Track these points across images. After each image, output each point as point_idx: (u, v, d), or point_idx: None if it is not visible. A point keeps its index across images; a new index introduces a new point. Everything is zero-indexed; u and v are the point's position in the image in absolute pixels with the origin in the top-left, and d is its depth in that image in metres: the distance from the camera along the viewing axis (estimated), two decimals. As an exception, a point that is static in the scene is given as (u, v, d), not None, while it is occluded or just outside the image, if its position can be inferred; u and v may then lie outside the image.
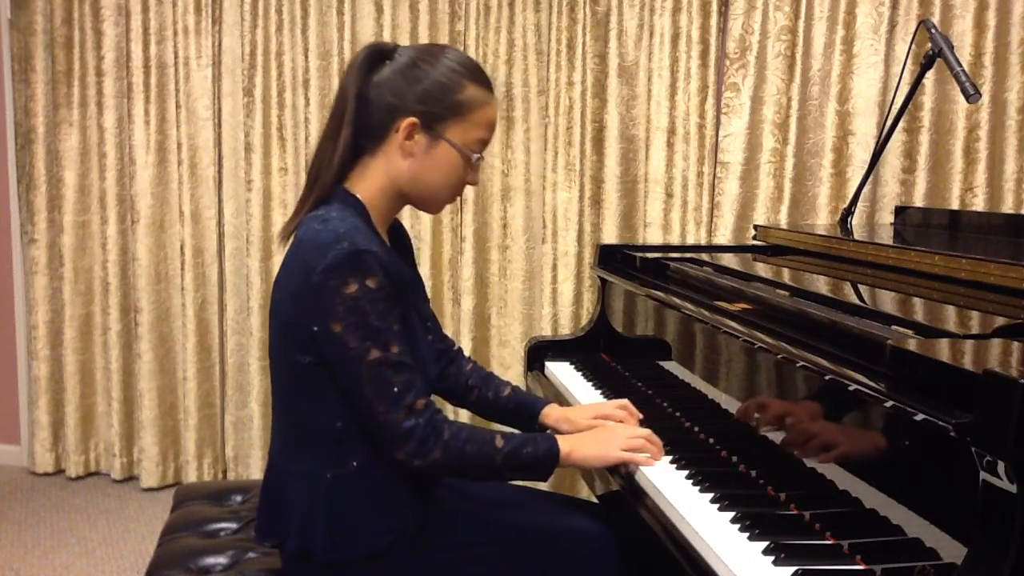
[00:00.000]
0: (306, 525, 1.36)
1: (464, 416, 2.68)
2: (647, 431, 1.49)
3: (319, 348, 1.32)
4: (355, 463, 1.36)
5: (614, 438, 1.46)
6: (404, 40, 3.02)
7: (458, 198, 1.55)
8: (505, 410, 1.67)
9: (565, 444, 1.41)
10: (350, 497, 1.36)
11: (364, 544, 1.36)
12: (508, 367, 3.06)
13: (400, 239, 1.57)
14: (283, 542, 1.41)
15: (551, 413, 1.64)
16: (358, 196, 1.40)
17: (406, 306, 1.41)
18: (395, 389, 1.30)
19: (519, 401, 1.67)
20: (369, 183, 1.41)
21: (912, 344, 1.11)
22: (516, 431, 1.47)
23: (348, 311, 1.28)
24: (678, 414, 1.73)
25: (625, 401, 1.65)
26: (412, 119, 1.37)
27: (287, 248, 1.40)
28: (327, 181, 1.39)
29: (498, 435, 1.38)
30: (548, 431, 1.62)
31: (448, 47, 1.44)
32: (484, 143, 1.44)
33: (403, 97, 1.37)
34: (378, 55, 1.41)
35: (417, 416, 1.31)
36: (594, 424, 1.58)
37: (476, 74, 1.41)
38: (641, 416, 1.63)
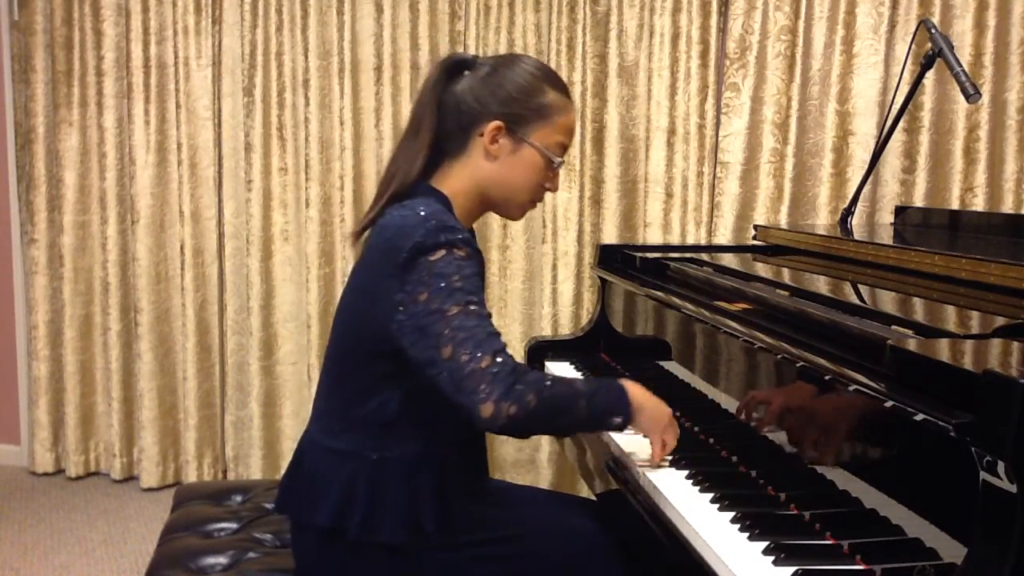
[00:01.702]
0: (343, 503, 1.37)
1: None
2: (677, 436, 1.46)
3: (397, 329, 1.31)
4: (400, 451, 1.37)
5: (670, 427, 1.43)
6: (404, 40, 3.02)
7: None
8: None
9: (634, 401, 1.38)
10: (390, 482, 1.37)
11: (390, 531, 1.36)
12: (508, 367, 3.06)
13: None
14: (312, 517, 1.40)
15: None
16: (443, 192, 1.43)
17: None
18: (479, 336, 1.27)
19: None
20: (452, 184, 1.44)
21: (912, 344, 1.11)
22: (588, 379, 1.44)
23: (434, 277, 1.28)
24: (678, 414, 1.72)
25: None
26: (498, 122, 1.41)
27: (365, 242, 1.42)
28: (406, 182, 1.42)
29: (576, 380, 1.38)
30: None
31: (525, 55, 1.48)
32: (564, 148, 1.48)
33: (487, 102, 1.41)
34: (458, 65, 1.45)
35: (503, 363, 1.26)
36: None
37: (555, 80, 1.46)
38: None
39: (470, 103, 1.42)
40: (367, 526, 1.36)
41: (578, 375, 2.06)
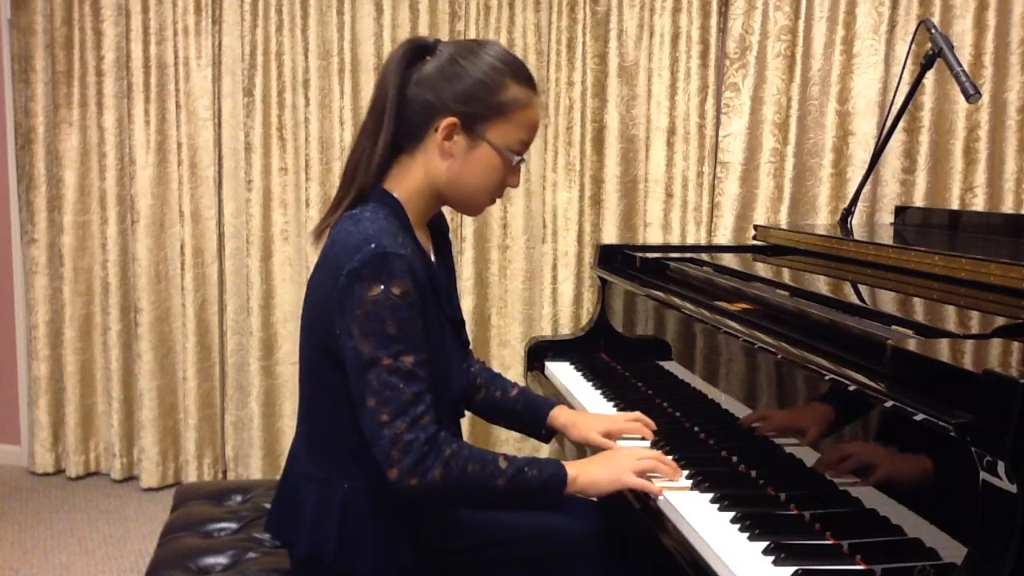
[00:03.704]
0: (317, 532, 1.35)
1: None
2: (656, 452, 1.42)
3: (340, 352, 1.28)
4: (370, 480, 1.32)
5: (623, 461, 1.37)
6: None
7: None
8: (512, 411, 1.62)
9: (572, 468, 1.33)
10: (362, 514, 1.34)
11: (365, 565, 1.33)
12: (508, 367, 3.06)
13: (440, 232, 1.51)
14: (293, 543, 1.40)
15: (559, 416, 1.60)
16: (395, 195, 1.35)
17: (438, 315, 1.37)
18: (403, 398, 1.23)
19: (527, 401, 1.63)
20: (407, 183, 1.36)
21: (912, 344, 1.11)
22: (518, 456, 1.37)
23: (367, 316, 1.23)
24: (678, 414, 1.73)
25: (638, 413, 1.59)
26: (452, 119, 1.31)
27: (322, 246, 1.36)
28: (365, 181, 1.35)
29: (501, 456, 1.30)
30: (556, 434, 1.61)
31: (490, 42, 1.37)
32: (526, 144, 1.38)
33: (443, 96, 1.31)
34: (418, 51, 1.35)
35: (420, 430, 1.24)
36: (602, 443, 1.53)
37: (518, 72, 1.36)
38: (655, 427, 1.58)
39: (427, 95, 1.32)
40: (341, 557, 1.33)
41: (578, 375, 2.06)
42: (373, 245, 1.24)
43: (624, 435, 1.56)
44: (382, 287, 1.23)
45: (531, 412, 1.61)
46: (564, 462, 1.35)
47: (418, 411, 1.24)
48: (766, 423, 1.44)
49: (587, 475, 1.34)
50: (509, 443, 3.08)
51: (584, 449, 1.73)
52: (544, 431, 1.62)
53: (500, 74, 1.33)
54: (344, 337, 1.25)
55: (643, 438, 1.57)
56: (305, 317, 1.37)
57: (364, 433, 1.26)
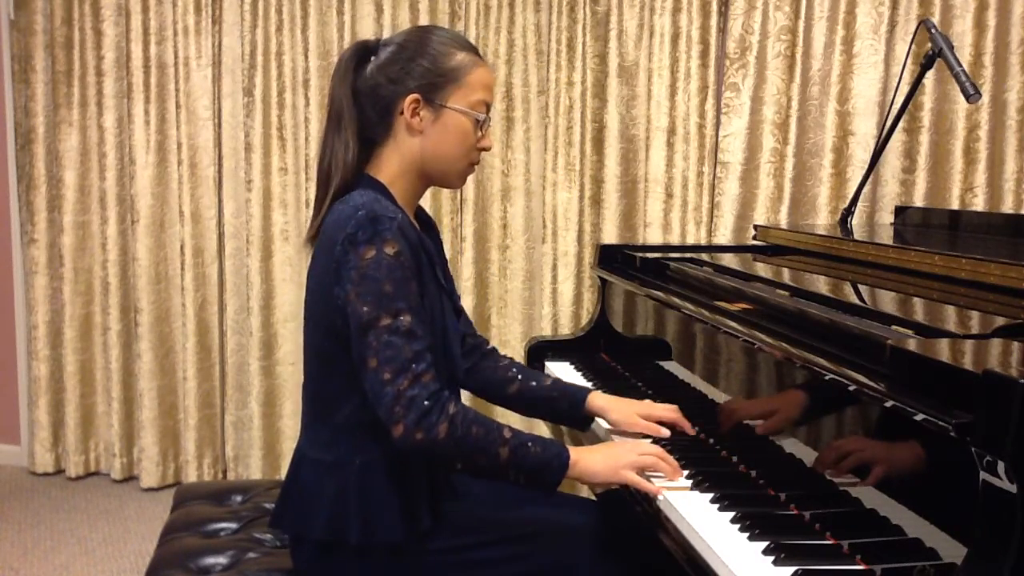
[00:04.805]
0: (335, 514, 1.37)
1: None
2: (659, 449, 1.41)
3: (344, 324, 1.31)
4: (383, 451, 1.36)
5: (624, 455, 1.38)
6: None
7: (460, 190, 1.54)
8: (549, 398, 1.64)
9: (574, 453, 1.36)
10: (378, 486, 1.37)
11: (388, 530, 1.36)
12: (508, 367, 3.06)
13: (424, 222, 1.57)
14: (305, 532, 1.41)
15: (596, 399, 1.62)
16: (380, 180, 1.42)
17: (433, 283, 1.42)
18: (404, 356, 1.27)
19: (562, 389, 1.65)
20: (387, 169, 1.44)
21: (912, 344, 1.11)
22: (522, 431, 1.38)
23: (362, 277, 1.28)
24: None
25: (675, 407, 1.60)
26: (413, 96, 1.40)
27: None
28: (345, 177, 1.41)
29: (506, 427, 1.34)
30: (593, 420, 1.64)
31: (430, 25, 1.47)
32: (487, 105, 1.45)
33: (399, 79, 1.40)
34: (363, 51, 1.45)
35: (423, 387, 1.27)
36: (634, 423, 1.55)
37: (461, 42, 1.45)
38: (692, 427, 1.58)
39: (384, 84, 1.41)
40: (365, 531, 1.36)
41: (578, 375, 2.06)
42: (364, 211, 1.31)
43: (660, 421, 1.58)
44: (375, 248, 1.29)
45: (568, 398, 1.64)
46: (569, 446, 1.37)
47: (420, 368, 1.28)
48: (766, 423, 1.44)
49: (586, 462, 1.36)
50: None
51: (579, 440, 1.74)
52: (582, 416, 1.63)
53: (445, 45, 1.42)
54: (343, 302, 1.30)
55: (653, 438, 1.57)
56: (309, 308, 1.42)
57: (368, 396, 1.29)
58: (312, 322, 1.42)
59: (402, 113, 1.41)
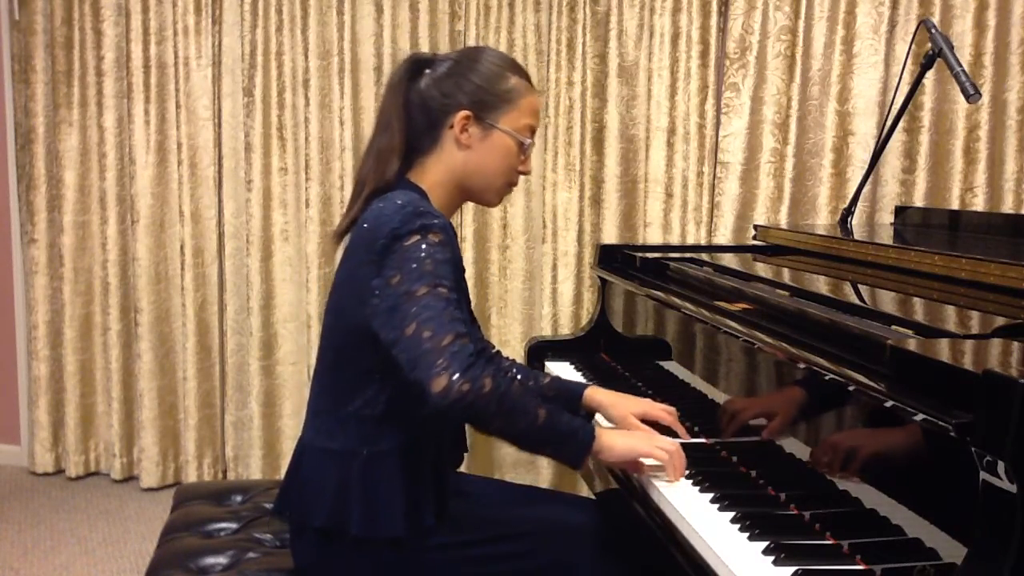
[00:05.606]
0: (338, 502, 1.37)
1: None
2: (676, 447, 1.41)
3: (371, 313, 1.32)
4: (391, 444, 1.38)
5: (642, 444, 1.40)
6: (404, 40, 3.02)
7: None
8: (547, 398, 1.67)
9: (597, 428, 1.39)
10: (383, 477, 1.38)
11: (389, 525, 1.37)
12: (508, 367, 3.06)
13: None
14: (307, 520, 1.41)
15: (596, 395, 1.65)
16: (420, 186, 1.46)
17: (464, 289, 1.46)
18: (445, 317, 1.26)
19: (560, 386, 1.70)
20: (429, 178, 1.47)
21: (912, 344, 1.11)
22: None
23: (406, 260, 1.30)
24: (680, 414, 1.72)
25: (673, 409, 1.62)
26: (465, 112, 1.44)
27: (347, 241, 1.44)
28: (384, 179, 1.44)
29: (538, 397, 1.37)
30: (593, 415, 1.66)
31: (483, 46, 1.49)
32: (532, 130, 1.51)
33: (453, 94, 1.45)
34: (418, 65, 1.49)
35: (465, 346, 1.24)
36: (627, 426, 1.57)
37: (516, 66, 1.50)
38: (686, 433, 1.59)
39: (437, 98, 1.45)
40: (366, 522, 1.36)
41: (578, 375, 2.06)
42: (410, 208, 1.34)
43: (656, 421, 1.59)
44: (419, 236, 1.31)
45: (566, 395, 1.67)
46: (599, 431, 1.38)
47: (461, 328, 1.27)
48: (769, 426, 1.44)
49: (608, 438, 1.38)
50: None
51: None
52: (582, 412, 1.65)
53: (501, 68, 1.48)
54: (382, 289, 1.30)
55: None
56: (334, 300, 1.44)
57: (403, 365, 1.26)
58: (335, 314, 1.43)
59: (451, 127, 1.45)
